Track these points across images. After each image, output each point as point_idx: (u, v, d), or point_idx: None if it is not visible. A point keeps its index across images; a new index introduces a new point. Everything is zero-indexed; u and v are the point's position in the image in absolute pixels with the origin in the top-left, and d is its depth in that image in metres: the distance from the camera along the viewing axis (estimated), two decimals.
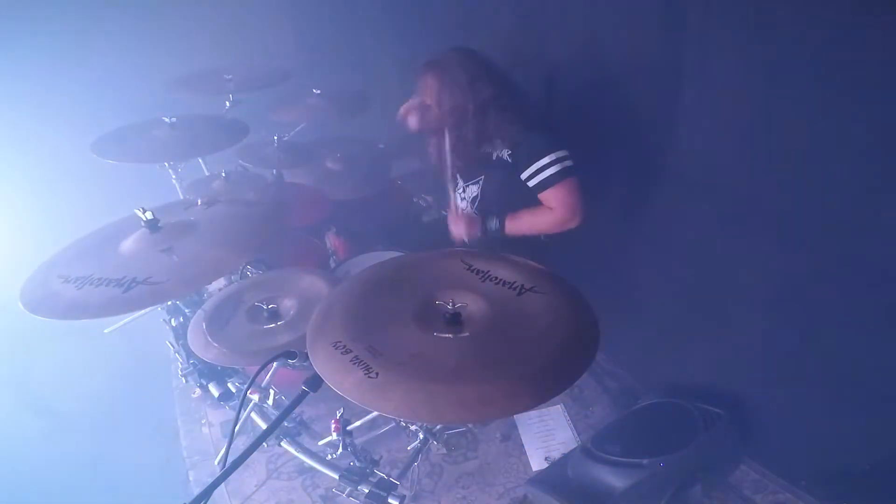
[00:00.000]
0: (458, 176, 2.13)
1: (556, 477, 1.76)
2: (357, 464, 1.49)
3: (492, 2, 2.41)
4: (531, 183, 1.85)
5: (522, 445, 2.00)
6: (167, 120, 2.11)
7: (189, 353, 1.77)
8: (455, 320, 1.21)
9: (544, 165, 1.81)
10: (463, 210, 2.05)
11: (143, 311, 1.69)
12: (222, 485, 1.06)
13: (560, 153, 1.81)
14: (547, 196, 1.85)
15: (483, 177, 1.97)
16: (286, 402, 1.64)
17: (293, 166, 2.44)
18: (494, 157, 1.92)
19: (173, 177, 2.20)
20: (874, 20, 1.23)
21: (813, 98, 1.39)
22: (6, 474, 2.11)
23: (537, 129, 1.86)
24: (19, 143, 2.54)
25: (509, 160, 1.88)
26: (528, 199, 1.89)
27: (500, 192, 1.95)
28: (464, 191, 2.07)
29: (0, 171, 2.60)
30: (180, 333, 1.88)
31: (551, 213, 1.87)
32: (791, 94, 1.43)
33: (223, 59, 2.58)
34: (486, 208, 2.01)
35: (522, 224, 1.92)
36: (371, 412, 1.64)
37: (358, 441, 1.56)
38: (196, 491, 1.04)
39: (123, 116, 2.19)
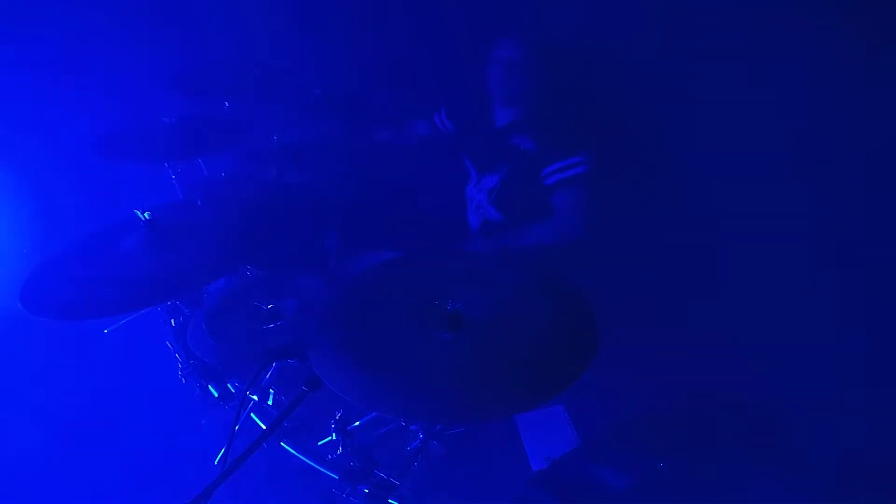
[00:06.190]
0: (471, 167, 2.12)
1: (556, 477, 1.76)
2: (357, 464, 1.49)
3: (492, 3, 2.41)
4: (553, 179, 1.85)
5: (522, 445, 2.00)
6: (167, 120, 2.11)
7: (189, 353, 1.77)
8: (455, 320, 1.21)
9: (573, 164, 1.82)
10: (478, 203, 2.05)
11: (143, 311, 1.70)
12: (222, 485, 1.06)
13: (581, 157, 1.82)
14: (560, 197, 1.86)
15: (506, 168, 1.96)
16: (286, 401, 1.64)
17: (293, 166, 2.43)
18: (522, 149, 1.91)
19: (173, 177, 2.20)
20: (874, 19, 1.23)
21: (812, 98, 1.39)
22: (4, 475, 2.11)
23: (569, 128, 1.87)
24: (18, 142, 2.53)
25: (535, 153, 1.88)
26: (545, 197, 1.90)
27: (522, 185, 1.94)
28: (478, 182, 2.06)
29: None
30: (180, 333, 1.88)
31: (555, 219, 1.87)
32: (791, 94, 1.43)
33: (223, 59, 2.58)
34: (503, 200, 1.99)
35: (525, 234, 1.91)
36: (371, 412, 1.64)
37: (358, 441, 1.56)
38: (196, 491, 1.04)
39: (123, 116, 2.19)
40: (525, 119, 1.95)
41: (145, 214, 1.51)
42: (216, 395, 1.74)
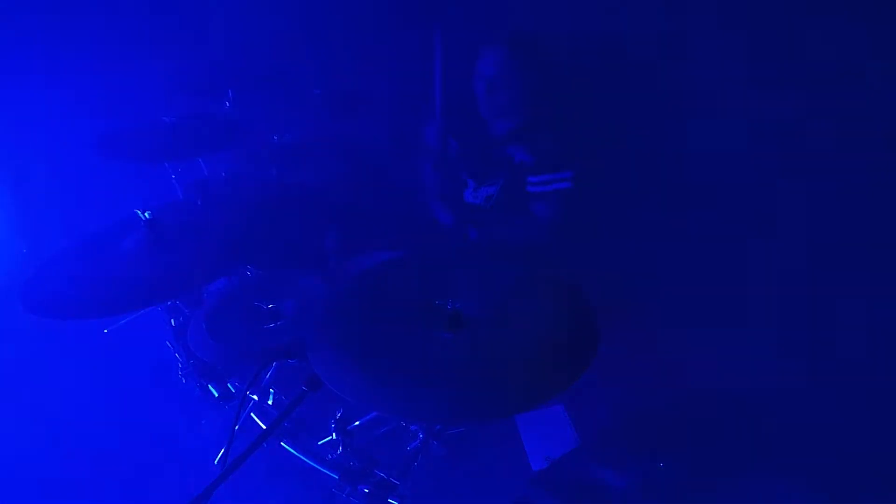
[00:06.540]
0: (468, 178, 2.12)
1: (556, 477, 1.76)
2: (357, 464, 1.49)
3: (491, 3, 2.41)
4: (535, 189, 1.88)
5: (522, 445, 2.00)
6: (167, 120, 2.11)
7: (189, 353, 1.77)
8: (455, 320, 1.21)
9: (560, 179, 1.85)
10: (472, 208, 2.06)
11: (143, 311, 1.70)
12: (222, 485, 1.06)
13: (571, 173, 1.85)
14: (539, 204, 1.90)
15: (503, 179, 1.97)
16: (286, 401, 1.64)
17: (293, 166, 2.43)
18: (517, 161, 1.92)
19: (173, 177, 2.20)
20: (874, 19, 1.23)
21: (812, 98, 1.39)
22: (4, 475, 2.11)
23: (561, 136, 1.89)
24: (18, 142, 2.54)
25: (529, 164, 1.89)
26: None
27: (520, 194, 1.95)
28: (475, 190, 2.06)
29: None
30: (180, 333, 1.87)
31: (533, 221, 1.90)
32: (791, 94, 1.43)
33: (223, 59, 2.58)
34: (502, 208, 2.00)
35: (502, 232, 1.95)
36: (371, 412, 1.64)
37: (358, 441, 1.56)
38: (196, 491, 1.04)
39: (123, 116, 2.19)
40: (518, 129, 1.95)
41: (146, 214, 1.51)
42: (216, 395, 1.74)
